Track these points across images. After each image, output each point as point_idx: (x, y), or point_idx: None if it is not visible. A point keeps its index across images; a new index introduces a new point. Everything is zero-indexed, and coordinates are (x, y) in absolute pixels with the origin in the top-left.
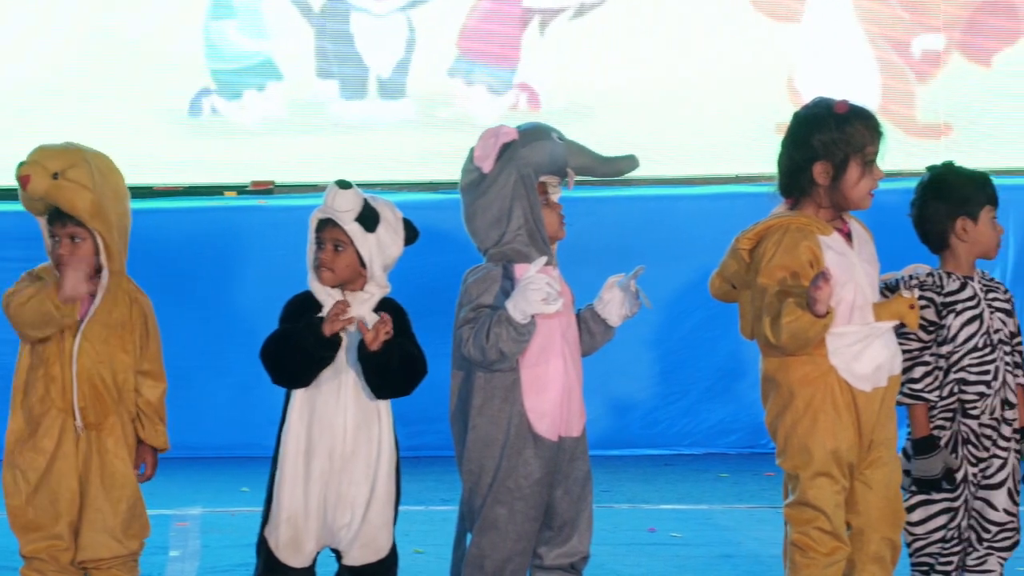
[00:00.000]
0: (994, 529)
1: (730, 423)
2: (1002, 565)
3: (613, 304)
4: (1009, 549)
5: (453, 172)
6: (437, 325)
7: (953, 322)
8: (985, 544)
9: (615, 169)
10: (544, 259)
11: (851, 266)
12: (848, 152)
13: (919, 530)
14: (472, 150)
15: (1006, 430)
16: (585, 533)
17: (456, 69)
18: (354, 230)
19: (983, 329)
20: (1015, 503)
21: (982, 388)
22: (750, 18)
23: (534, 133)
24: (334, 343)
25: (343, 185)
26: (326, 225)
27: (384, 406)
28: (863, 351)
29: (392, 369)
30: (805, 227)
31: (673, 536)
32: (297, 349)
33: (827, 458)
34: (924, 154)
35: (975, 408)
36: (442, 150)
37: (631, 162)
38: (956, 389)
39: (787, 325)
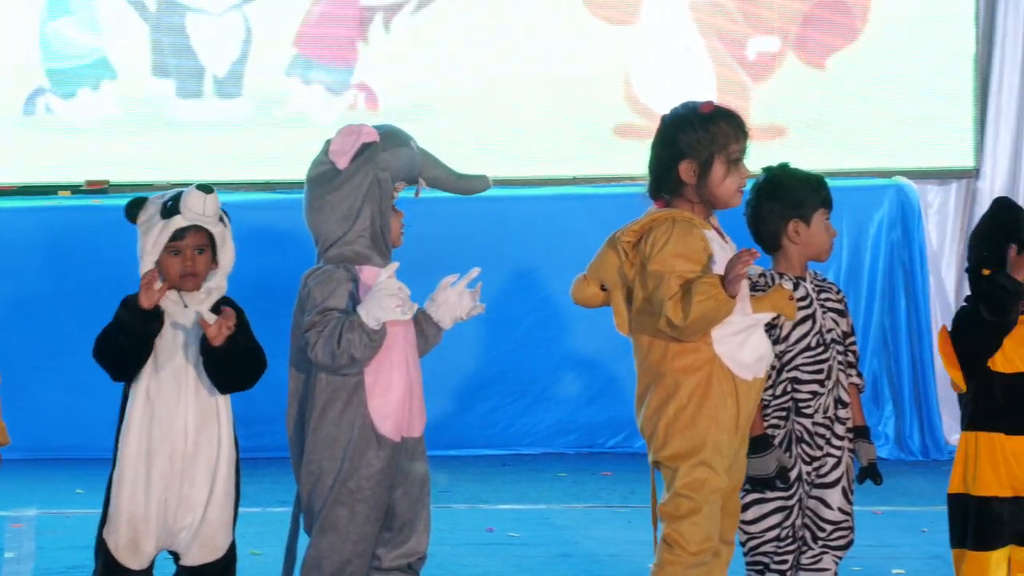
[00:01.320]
0: (829, 528)
1: (568, 423)
2: (837, 564)
3: (446, 307)
4: (844, 548)
5: (290, 172)
6: (275, 326)
7: (785, 322)
8: (820, 543)
9: (468, 187)
10: (396, 265)
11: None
12: (713, 151)
13: (753, 529)
14: (328, 143)
15: (840, 429)
16: (423, 534)
17: (293, 68)
18: (219, 232)
19: (816, 329)
20: (849, 502)
21: (815, 387)
22: (586, 21)
23: (395, 138)
24: (155, 315)
25: (206, 189)
26: (186, 232)
27: (224, 406)
28: (746, 340)
29: (236, 363)
30: (691, 219)
31: (511, 536)
32: (121, 332)
33: (711, 448)
34: (759, 155)
35: (808, 407)
36: (279, 150)
37: (483, 182)
38: (789, 388)
39: (699, 304)
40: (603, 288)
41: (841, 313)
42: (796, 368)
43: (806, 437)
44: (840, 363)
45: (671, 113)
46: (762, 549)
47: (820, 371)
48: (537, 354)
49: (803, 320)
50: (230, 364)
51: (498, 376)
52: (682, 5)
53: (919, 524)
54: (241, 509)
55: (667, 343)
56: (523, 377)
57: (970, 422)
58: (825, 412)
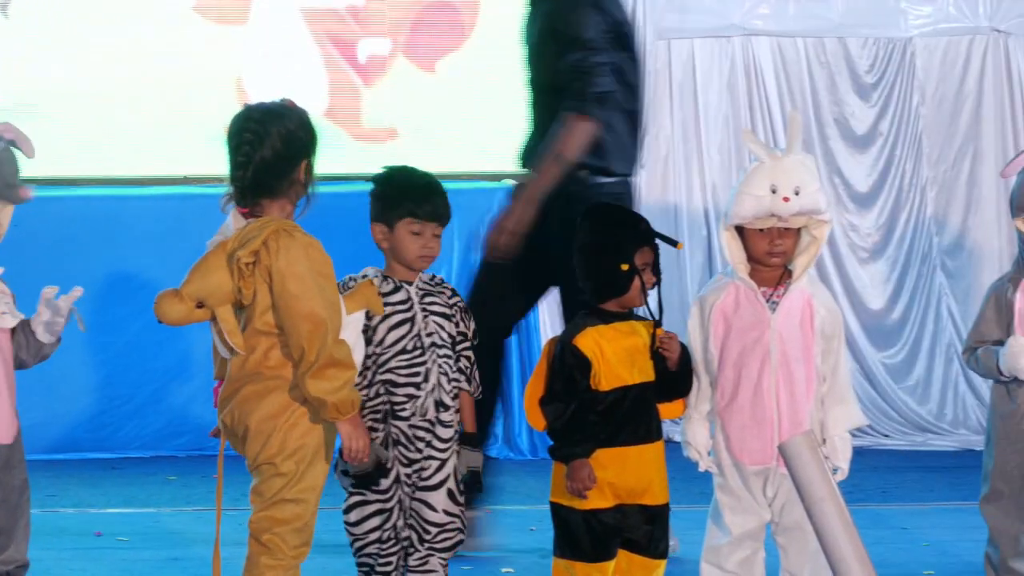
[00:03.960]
0: (434, 530)
1: (178, 426)
2: (445, 565)
3: (41, 318)
4: (450, 549)
5: None
6: None
7: (380, 325)
8: (426, 545)
9: (15, 197)
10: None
11: None
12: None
13: (357, 531)
14: None
15: (444, 432)
16: (23, 542)
17: None
18: None
19: (414, 332)
20: (456, 503)
21: (411, 390)
22: (194, 21)
23: None
24: None
25: None
26: None
27: None
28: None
29: None
30: (296, 227)
31: (120, 540)
32: None
33: (328, 448)
34: (371, 158)
35: (404, 410)
36: None
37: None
38: (383, 391)
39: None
40: (199, 306)
41: (448, 317)
42: (390, 371)
43: (403, 440)
44: (441, 367)
45: (292, 113)
46: (367, 551)
47: (416, 374)
48: (147, 356)
49: (400, 323)
50: None
51: (108, 379)
52: (292, 7)
53: (528, 523)
54: None
55: (282, 348)
56: (133, 380)
57: None
58: (424, 415)
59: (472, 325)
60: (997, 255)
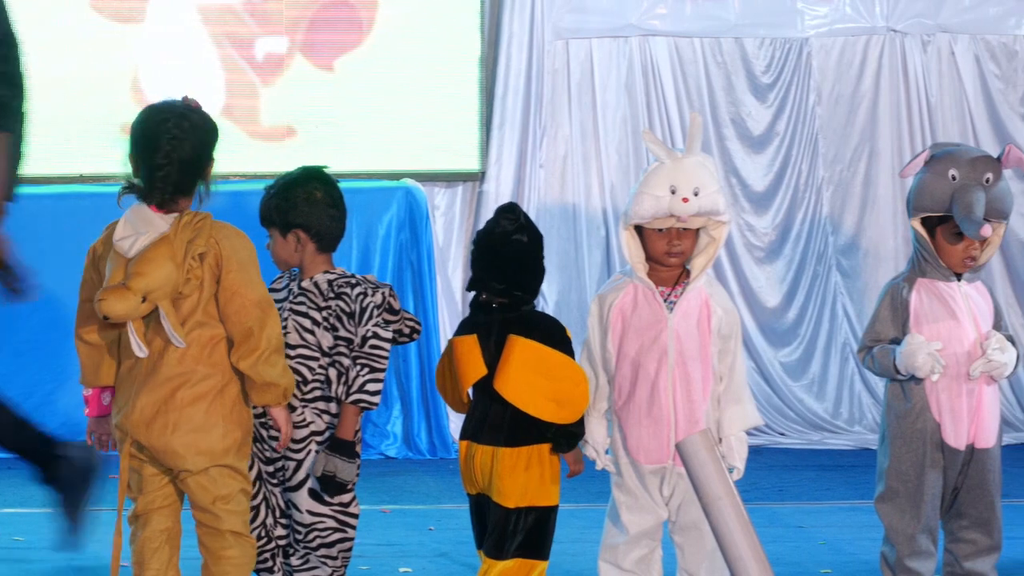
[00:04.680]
0: (303, 530)
1: (76, 426)
2: (327, 563)
3: None
4: (324, 547)
5: None
6: None
7: None
8: (302, 545)
9: None
10: None
11: None
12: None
13: None
14: None
15: (295, 432)
16: None
17: None
18: None
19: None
20: (324, 503)
21: None
22: (91, 19)
23: None
24: None
25: None
26: None
27: None
28: None
29: None
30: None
31: (16, 540)
32: None
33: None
34: (269, 157)
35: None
36: None
37: None
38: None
39: None
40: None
41: (316, 321)
42: None
43: (259, 438)
44: (296, 368)
45: (203, 113)
46: None
47: None
48: (44, 355)
49: None
50: None
51: (2, 379)
52: (189, 5)
53: (426, 522)
54: None
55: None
56: (28, 380)
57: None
58: None
59: (369, 330)
60: (892, 254)
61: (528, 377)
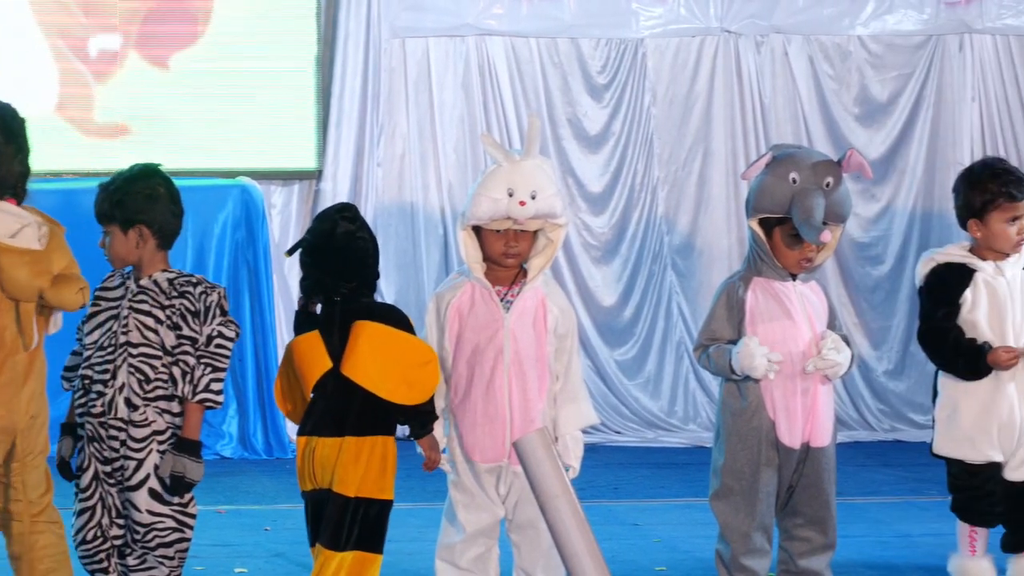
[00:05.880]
0: (142, 530)
1: None
2: (165, 562)
3: None
4: (162, 547)
5: None
6: None
7: (88, 323)
8: (139, 545)
9: None
10: None
11: None
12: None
13: (72, 531)
14: None
15: (136, 432)
16: None
17: None
18: None
19: (111, 330)
20: (163, 503)
21: (100, 387)
22: None
23: None
24: None
25: None
26: None
27: None
28: None
29: None
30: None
31: None
32: None
33: None
34: (103, 154)
35: (95, 407)
36: None
37: None
38: (81, 386)
39: None
40: None
41: (159, 319)
42: (90, 367)
43: (97, 437)
44: (138, 367)
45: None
46: (79, 551)
47: (106, 371)
48: None
49: (105, 320)
50: None
51: None
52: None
53: (262, 522)
54: None
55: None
56: None
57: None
58: (115, 414)
59: (214, 329)
60: (727, 254)
61: (377, 360)
